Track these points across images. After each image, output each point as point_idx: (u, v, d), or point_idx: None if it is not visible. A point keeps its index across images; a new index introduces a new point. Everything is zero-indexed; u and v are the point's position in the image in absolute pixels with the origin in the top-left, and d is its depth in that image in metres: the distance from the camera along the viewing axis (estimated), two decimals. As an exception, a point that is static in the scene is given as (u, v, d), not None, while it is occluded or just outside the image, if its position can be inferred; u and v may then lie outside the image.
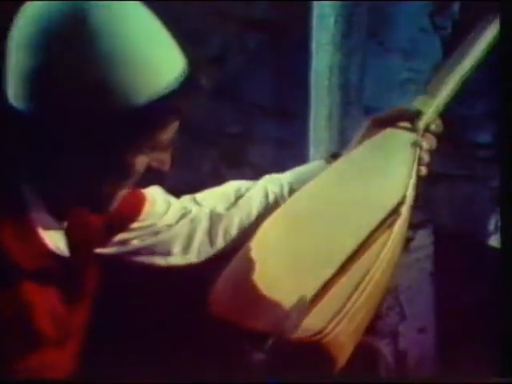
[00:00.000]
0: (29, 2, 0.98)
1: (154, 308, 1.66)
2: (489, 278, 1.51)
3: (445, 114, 1.36)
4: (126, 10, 0.98)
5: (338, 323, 1.11)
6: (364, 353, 1.61)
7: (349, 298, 1.13)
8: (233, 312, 1.18)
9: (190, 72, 1.01)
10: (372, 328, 1.66)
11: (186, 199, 1.34)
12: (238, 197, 1.35)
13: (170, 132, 1.02)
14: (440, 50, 1.92)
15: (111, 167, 1.01)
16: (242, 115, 2.02)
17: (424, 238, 1.76)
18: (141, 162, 1.02)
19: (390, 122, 1.35)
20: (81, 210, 1.11)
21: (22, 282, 1.02)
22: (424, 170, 1.30)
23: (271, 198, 1.35)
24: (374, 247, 1.19)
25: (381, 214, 1.22)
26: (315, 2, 1.84)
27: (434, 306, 1.79)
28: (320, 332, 1.10)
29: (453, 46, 1.88)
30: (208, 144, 2.00)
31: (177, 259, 1.31)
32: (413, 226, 1.73)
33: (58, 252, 1.07)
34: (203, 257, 1.33)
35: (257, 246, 1.26)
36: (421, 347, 1.76)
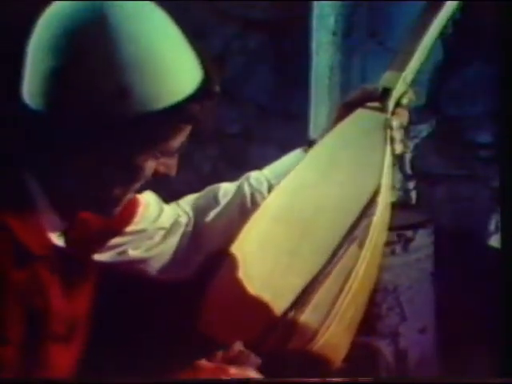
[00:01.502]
0: (53, 3, 0.99)
1: (150, 313, 1.66)
2: (489, 278, 1.50)
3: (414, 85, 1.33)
4: (148, 16, 0.99)
5: (327, 328, 1.11)
6: (364, 353, 1.63)
7: (336, 300, 1.13)
8: (220, 332, 1.18)
9: (205, 80, 1.02)
10: (372, 328, 1.67)
11: (173, 205, 1.35)
12: (221, 199, 1.34)
13: (181, 138, 1.03)
14: (440, 50, 1.92)
15: (122, 170, 1.02)
16: (242, 115, 2.02)
17: (424, 238, 1.75)
18: (150, 166, 1.03)
19: (360, 103, 1.32)
20: (86, 213, 1.12)
21: (37, 265, 1.04)
22: (399, 148, 1.27)
23: (248, 196, 1.34)
24: (355, 244, 1.17)
25: (357, 207, 1.19)
26: (315, 2, 1.84)
27: (434, 307, 1.78)
28: (312, 339, 1.11)
29: (452, 45, 1.89)
30: (208, 144, 2.00)
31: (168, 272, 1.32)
32: (413, 226, 1.74)
33: (59, 245, 1.08)
34: (192, 266, 1.33)
35: (239, 250, 1.25)
36: (421, 347, 1.75)
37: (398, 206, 1.92)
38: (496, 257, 1.60)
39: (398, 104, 1.31)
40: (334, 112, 1.37)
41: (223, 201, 1.34)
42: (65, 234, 1.11)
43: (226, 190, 1.36)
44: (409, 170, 2.06)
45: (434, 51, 1.92)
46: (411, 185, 2.06)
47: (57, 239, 1.09)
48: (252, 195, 1.34)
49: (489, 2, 1.57)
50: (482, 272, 1.81)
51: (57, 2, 0.99)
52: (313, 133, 1.78)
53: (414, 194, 2.08)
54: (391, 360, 1.71)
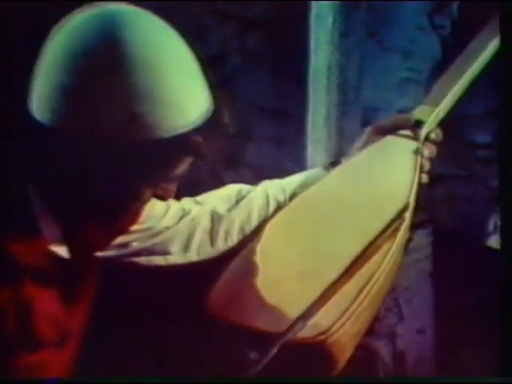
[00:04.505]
0: (71, 17, 0.99)
1: (154, 306, 1.66)
2: (488, 278, 1.50)
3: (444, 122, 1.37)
4: (163, 41, 0.99)
5: (342, 325, 1.13)
6: (362, 354, 1.62)
7: (353, 301, 1.14)
8: (233, 312, 1.18)
9: (213, 111, 1.02)
10: (370, 329, 1.65)
11: (186, 201, 1.34)
12: (239, 199, 1.35)
13: (183, 167, 1.04)
14: (439, 50, 1.92)
15: (120, 192, 1.02)
16: (240, 115, 2.02)
17: (423, 238, 1.76)
18: (149, 192, 1.04)
19: (391, 129, 1.36)
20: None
21: (24, 281, 1.03)
22: (425, 178, 1.32)
23: (272, 202, 1.35)
24: (380, 252, 1.20)
25: (384, 220, 1.24)
26: (313, 2, 1.84)
27: (432, 307, 1.78)
28: (325, 332, 1.11)
29: (452, 45, 1.89)
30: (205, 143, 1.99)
31: (176, 258, 1.31)
32: (412, 226, 1.73)
33: (58, 254, 1.08)
34: (203, 256, 1.33)
35: (259, 248, 1.27)
36: (419, 348, 1.76)
37: None
38: (495, 257, 1.60)
39: (426, 138, 1.35)
40: (363, 135, 1.40)
41: (243, 200, 1.34)
42: (66, 240, 1.10)
43: (247, 189, 1.37)
44: None
45: (433, 51, 1.93)
46: None
47: (59, 249, 1.08)
48: (274, 200, 1.35)
49: (489, 1, 1.57)
50: (481, 272, 1.81)
51: (75, 15, 0.99)
52: (311, 133, 1.78)
53: None
54: (389, 361, 1.71)
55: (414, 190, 1.28)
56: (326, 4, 1.82)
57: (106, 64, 0.95)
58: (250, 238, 1.30)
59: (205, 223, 1.32)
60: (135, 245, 1.26)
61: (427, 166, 1.32)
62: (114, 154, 0.97)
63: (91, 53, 0.96)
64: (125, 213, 1.08)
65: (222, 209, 1.33)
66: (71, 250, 1.10)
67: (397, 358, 1.71)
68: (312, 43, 1.85)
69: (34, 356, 1.06)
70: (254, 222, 1.34)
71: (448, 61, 1.92)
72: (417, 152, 1.32)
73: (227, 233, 1.33)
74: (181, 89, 0.98)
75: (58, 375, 1.12)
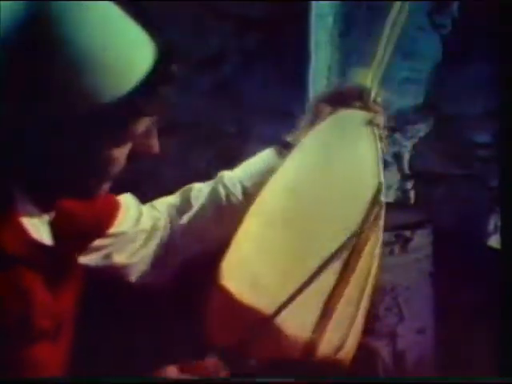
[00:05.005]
0: None
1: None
2: (489, 278, 1.50)
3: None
4: (88, 7, 0.96)
5: (352, 335, 1.12)
6: (362, 354, 1.60)
7: (358, 305, 1.13)
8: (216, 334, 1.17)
9: (156, 67, 0.99)
10: (370, 329, 1.64)
11: (149, 207, 1.34)
12: (192, 201, 1.34)
13: (142, 125, 1.02)
14: (439, 49, 1.92)
15: (88, 160, 1.01)
16: (240, 114, 2.02)
17: (423, 238, 1.74)
18: (119, 153, 1.03)
19: (337, 102, 1.31)
20: (66, 202, 1.12)
21: (16, 269, 1.02)
22: (384, 145, 1.26)
23: (223, 198, 1.33)
24: (369, 244, 1.15)
25: (362, 209, 1.18)
26: (314, 2, 1.83)
27: (433, 307, 1.77)
28: (340, 348, 1.11)
29: (452, 44, 1.89)
30: (205, 143, 1.99)
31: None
32: (411, 226, 1.73)
33: (41, 241, 1.08)
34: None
35: (236, 253, 1.23)
36: (420, 348, 1.74)
37: (396, 206, 1.92)
38: (496, 257, 1.59)
39: (373, 101, 1.30)
40: (309, 111, 1.35)
41: (197, 203, 1.33)
42: (49, 232, 1.10)
43: (198, 191, 1.35)
44: (407, 170, 2.06)
45: (434, 50, 1.93)
46: (409, 184, 2.06)
47: (40, 234, 1.08)
48: (227, 197, 1.33)
49: (489, 0, 1.57)
50: (482, 272, 1.80)
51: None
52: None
53: (412, 194, 2.07)
54: (389, 361, 1.70)
55: (381, 167, 1.21)
56: (327, 4, 1.81)
57: (34, 39, 0.94)
58: (212, 241, 1.29)
59: (166, 234, 1.33)
60: (115, 258, 1.27)
61: (384, 133, 1.27)
62: (63, 126, 0.97)
63: (17, 30, 0.94)
64: (104, 179, 1.07)
65: (178, 217, 1.33)
66: (55, 238, 1.10)
67: (397, 358, 1.70)
68: (312, 43, 1.86)
69: (33, 350, 1.05)
70: (214, 224, 1.32)
71: (447, 59, 1.93)
72: (372, 123, 1.26)
73: (187, 242, 1.33)
74: (117, 54, 0.97)
75: (54, 371, 1.11)
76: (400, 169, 2.03)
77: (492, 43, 1.59)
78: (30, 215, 1.06)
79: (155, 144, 1.06)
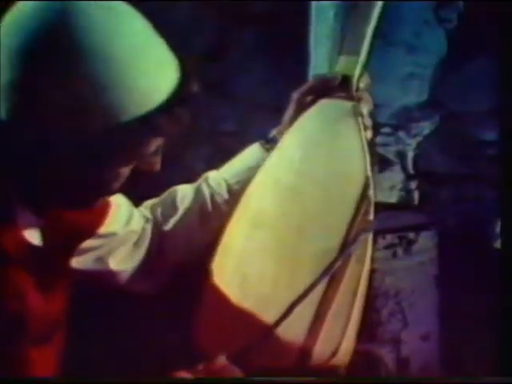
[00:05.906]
0: (13, 11, 0.95)
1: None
2: (496, 282, 1.47)
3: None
4: (113, 22, 0.94)
5: (346, 338, 1.11)
6: (365, 361, 1.60)
7: (350, 310, 1.11)
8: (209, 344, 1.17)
9: (177, 91, 0.98)
10: (373, 335, 1.64)
11: (138, 210, 1.34)
12: (178, 204, 1.32)
13: (155, 143, 1.01)
14: (445, 44, 1.92)
15: (94, 177, 1.01)
16: (238, 112, 2.00)
17: (427, 240, 1.72)
18: (125, 170, 1.03)
19: (319, 93, 1.28)
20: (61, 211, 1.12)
21: (12, 270, 1.03)
22: (370, 134, 1.23)
23: (208, 199, 1.31)
24: (358, 244, 1.13)
25: (351, 207, 1.15)
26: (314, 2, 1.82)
27: (438, 312, 1.75)
28: (335, 353, 1.10)
29: (457, 40, 1.89)
30: (202, 142, 1.98)
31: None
32: (415, 227, 1.71)
33: (32, 242, 1.07)
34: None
35: (224, 257, 1.23)
36: (424, 355, 1.72)
37: (399, 207, 1.91)
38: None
39: (356, 89, 1.26)
40: (291, 103, 1.32)
41: (182, 206, 1.32)
42: (40, 231, 1.09)
43: (184, 193, 1.33)
44: (411, 170, 2.05)
45: (439, 45, 1.92)
46: (413, 185, 2.06)
47: (33, 238, 1.07)
48: (212, 198, 1.32)
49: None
50: (490, 276, 1.78)
51: (18, 5, 0.94)
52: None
53: (416, 195, 2.06)
54: (393, 368, 1.68)
55: (367, 160, 1.18)
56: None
57: (58, 53, 0.92)
58: (198, 245, 1.29)
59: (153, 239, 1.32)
60: (106, 262, 1.26)
61: (368, 122, 1.23)
62: (76, 141, 0.95)
63: (35, 45, 0.92)
64: (103, 195, 1.08)
65: (164, 222, 1.32)
66: (46, 240, 1.10)
67: (401, 365, 1.68)
68: (312, 38, 1.84)
69: (25, 351, 1.05)
70: (200, 226, 1.31)
71: (452, 56, 1.92)
72: (356, 113, 1.22)
73: (174, 247, 1.32)
74: (140, 73, 0.95)
75: (49, 371, 1.12)
76: (404, 168, 2.03)
77: (497, 40, 1.57)
78: (27, 222, 1.06)
79: (158, 162, 1.06)
